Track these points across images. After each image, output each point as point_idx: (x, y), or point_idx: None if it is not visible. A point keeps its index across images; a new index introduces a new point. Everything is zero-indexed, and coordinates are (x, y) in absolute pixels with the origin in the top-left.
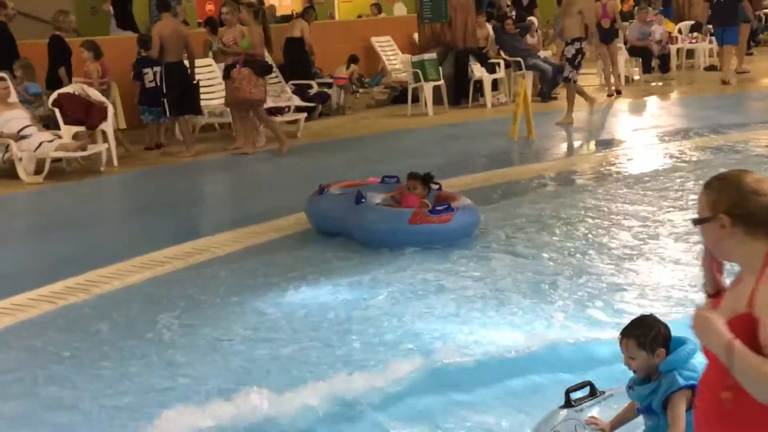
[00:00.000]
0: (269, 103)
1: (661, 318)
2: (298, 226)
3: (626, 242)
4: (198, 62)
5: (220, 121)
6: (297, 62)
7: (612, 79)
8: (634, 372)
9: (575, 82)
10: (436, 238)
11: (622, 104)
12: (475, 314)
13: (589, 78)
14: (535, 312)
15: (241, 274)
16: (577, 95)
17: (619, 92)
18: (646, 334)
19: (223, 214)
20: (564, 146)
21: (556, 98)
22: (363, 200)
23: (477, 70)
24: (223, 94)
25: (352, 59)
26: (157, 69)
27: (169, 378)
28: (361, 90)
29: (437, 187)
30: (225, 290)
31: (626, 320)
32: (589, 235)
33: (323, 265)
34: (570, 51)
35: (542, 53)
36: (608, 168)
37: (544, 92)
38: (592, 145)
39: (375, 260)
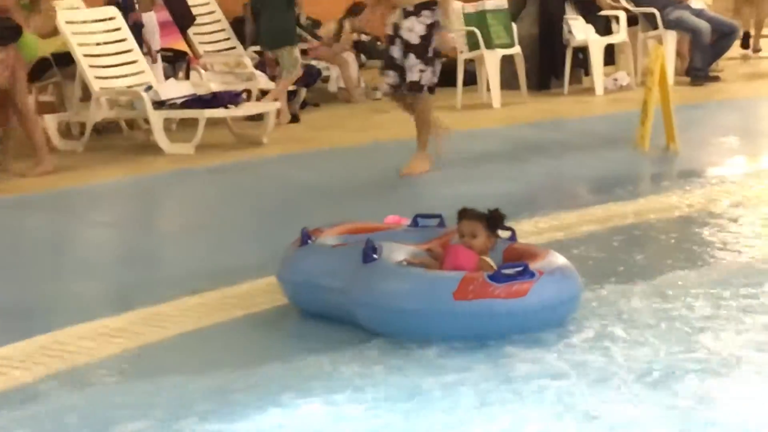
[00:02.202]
0: (211, 88)
1: None
2: (263, 299)
3: None
4: (96, 13)
5: (128, 115)
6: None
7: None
8: None
9: (431, 91)
10: (503, 323)
11: None
12: None
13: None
14: None
15: (156, 390)
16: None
17: (757, 50)
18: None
19: (125, 279)
20: (730, 163)
21: (718, 78)
22: (375, 256)
23: (579, 30)
24: (139, 69)
25: (354, 9)
26: None
27: None
28: (369, 62)
29: (509, 235)
30: (128, 419)
31: None
32: None
33: (306, 376)
34: (416, 29)
35: (694, 2)
36: None
37: (698, 69)
38: None
39: (401, 364)
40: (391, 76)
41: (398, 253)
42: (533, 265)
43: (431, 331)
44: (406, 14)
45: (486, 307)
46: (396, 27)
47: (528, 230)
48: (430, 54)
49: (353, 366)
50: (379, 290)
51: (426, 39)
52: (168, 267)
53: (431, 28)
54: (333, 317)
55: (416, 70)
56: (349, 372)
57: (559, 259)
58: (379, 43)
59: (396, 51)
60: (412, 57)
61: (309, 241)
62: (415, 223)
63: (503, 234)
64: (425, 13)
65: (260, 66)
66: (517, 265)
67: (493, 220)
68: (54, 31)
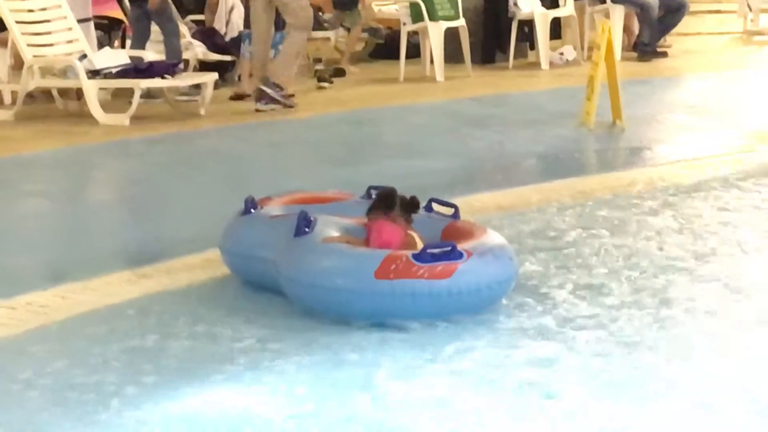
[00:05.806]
0: (148, 57)
1: None
2: (201, 270)
3: None
4: None
5: (61, 85)
6: None
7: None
8: None
9: None
10: (426, 307)
11: None
12: None
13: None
14: None
15: (83, 356)
16: None
17: None
18: None
19: (57, 252)
20: (680, 141)
21: (665, 54)
22: (307, 230)
23: (525, 3)
24: (73, 37)
25: None
26: None
27: None
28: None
29: (452, 212)
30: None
31: None
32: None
33: (233, 352)
34: None
35: None
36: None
37: (645, 44)
38: (732, 140)
39: (325, 342)
40: None
41: (332, 227)
42: (465, 245)
43: (352, 311)
44: None
45: (408, 288)
46: None
47: (468, 207)
48: None
49: (281, 342)
50: (303, 266)
51: None
52: (102, 240)
53: None
54: (269, 288)
55: None
56: (276, 348)
57: (494, 239)
58: (320, 13)
59: None
60: None
61: (252, 211)
62: (369, 194)
63: (446, 211)
64: None
65: (197, 35)
66: (445, 244)
67: (410, 206)
68: None
